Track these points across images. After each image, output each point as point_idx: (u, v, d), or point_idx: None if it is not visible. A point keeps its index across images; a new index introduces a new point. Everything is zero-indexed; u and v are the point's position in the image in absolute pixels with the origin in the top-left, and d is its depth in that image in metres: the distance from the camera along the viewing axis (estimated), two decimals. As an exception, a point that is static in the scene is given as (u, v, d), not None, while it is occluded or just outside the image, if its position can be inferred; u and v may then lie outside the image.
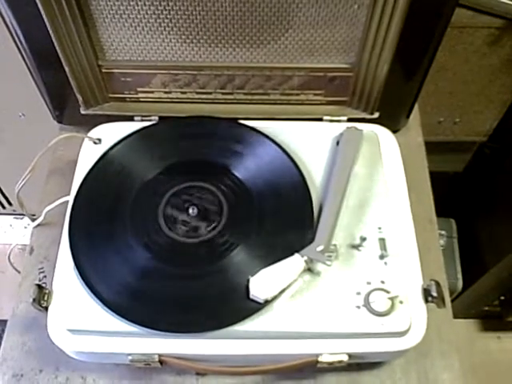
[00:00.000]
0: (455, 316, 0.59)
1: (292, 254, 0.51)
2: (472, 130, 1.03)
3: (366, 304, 0.50)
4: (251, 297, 0.49)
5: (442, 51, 0.76)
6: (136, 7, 0.54)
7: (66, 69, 0.58)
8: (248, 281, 0.50)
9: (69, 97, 0.62)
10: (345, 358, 0.49)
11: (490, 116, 0.99)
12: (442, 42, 0.58)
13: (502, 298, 1.15)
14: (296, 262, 0.51)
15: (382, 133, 0.62)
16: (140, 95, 0.64)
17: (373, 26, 0.55)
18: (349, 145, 0.59)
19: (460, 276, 1.07)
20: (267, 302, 0.49)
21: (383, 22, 0.54)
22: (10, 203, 1.31)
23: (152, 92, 0.64)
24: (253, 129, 0.61)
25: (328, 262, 0.51)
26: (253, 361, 0.51)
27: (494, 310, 1.21)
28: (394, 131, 0.64)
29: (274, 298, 0.50)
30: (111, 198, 0.56)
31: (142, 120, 0.63)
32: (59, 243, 0.54)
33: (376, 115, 0.64)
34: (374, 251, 0.53)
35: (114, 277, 0.51)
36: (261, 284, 0.49)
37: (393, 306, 0.49)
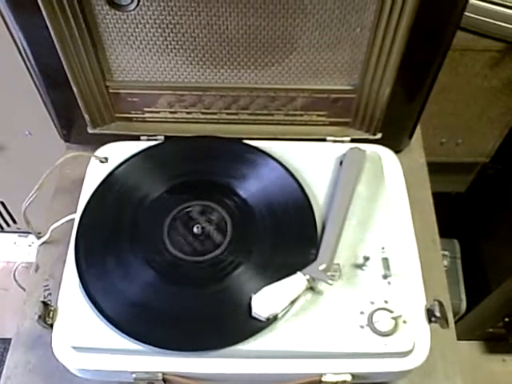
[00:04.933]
0: (459, 338, 0.58)
1: (295, 272, 0.51)
2: (474, 151, 1.03)
3: (370, 324, 0.50)
4: (253, 314, 0.49)
5: (444, 73, 0.77)
6: (144, 29, 0.55)
7: (74, 89, 0.59)
8: (250, 299, 0.50)
9: (76, 116, 0.63)
10: (348, 378, 0.49)
11: (492, 137, 0.99)
12: (443, 64, 0.59)
13: (507, 319, 1.14)
14: (298, 280, 0.51)
15: (385, 153, 0.63)
16: (146, 115, 0.65)
17: (375, 48, 0.56)
18: (352, 165, 0.60)
19: (464, 297, 1.07)
20: (269, 321, 0.49)
21: (385, 45, 0.55)
22: (14, 221, 1.31)
23: (158, 112, 0.65)
24: (257, 149, 0.61)
25: (330, 281, 0.51)
26: (256, 380, 0.51)
27: (498, 332, 1.20)
28: (397, 152, 0.65)
29: (277, 317, 0.50)
30: (117, 217, 0.57)
31: (148, 139, 0.64)
32: (65, 261, 0.55)
33: (379, 136, 0.64)
34: (378, 271, 0.53)
35: (119, 295, 0.52)
36: (263, 302, 0.50)
37: (396, 325, 0.49)
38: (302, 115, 0.64)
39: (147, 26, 0.55)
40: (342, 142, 0.64)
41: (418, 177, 0.68)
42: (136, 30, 0.55)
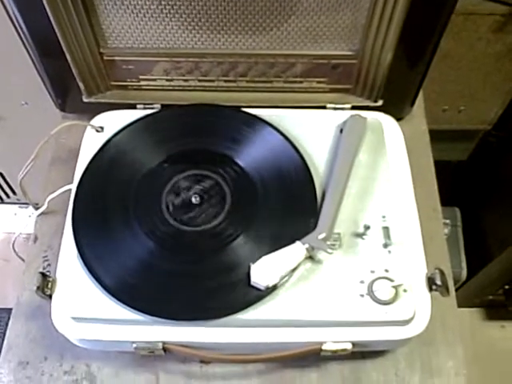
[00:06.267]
0: (459, 305, 0.59)
1: (294, 241, 0.51)
2: (477, 119, 1.02)
3: (370, 292, 0.50)
4: (252, 283, 0.49)
5: (447, 38, 0.76)
6: (138, -7, 0.54)
7: (68, 57, 0.58)
8: (249, 268, 0.50)
9: (71, 85, 0.62)
10: (348, 347, 0.50)
11: (495, 104, 0.98)
12: (446, 29, 0.57)
13: (507, 287, 1.15)
14: (297, 249, 0.50)
15: (386, 121, 0.62)
16: (142, 83, 0.64)
17: (376, 12, 0.54)
18: (352, 132, 0.59)
19: (464, 265, 1.07)
20: (269, 290, 0.49)
21: (387, 8, 0.53)
22: (14, 192, 1.31)
23: (154, 80, 0.63)
24: (256, 117, 0.60)
25: (329, 250, 0.51)
26: (256, 349, 0.52)
27: (498, 299, 1.21)
28: (398, 119, 0.64)
29: (276, 286, 0.50)
30: (114, 186, 0.56)
31: (145, 108, 0.63)
32: (63, 232, 0.54)
33: (380, 103, 0.63)
34: (378, 240, 0.53)
35: (118, 265, 0.51)
36: (262, 271, 0.49)
37: (397, 294, 0.49)
38: (301, 82, 0.63)
39: (141, -11, 0.53)
40: (343, 109, 0.63)
41: (420, 145, 0.67)
42: (130, -7, 0.54)
